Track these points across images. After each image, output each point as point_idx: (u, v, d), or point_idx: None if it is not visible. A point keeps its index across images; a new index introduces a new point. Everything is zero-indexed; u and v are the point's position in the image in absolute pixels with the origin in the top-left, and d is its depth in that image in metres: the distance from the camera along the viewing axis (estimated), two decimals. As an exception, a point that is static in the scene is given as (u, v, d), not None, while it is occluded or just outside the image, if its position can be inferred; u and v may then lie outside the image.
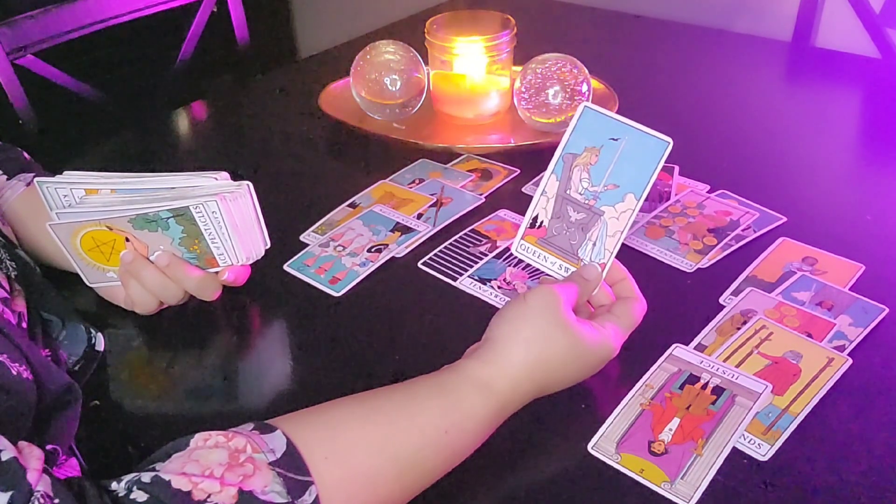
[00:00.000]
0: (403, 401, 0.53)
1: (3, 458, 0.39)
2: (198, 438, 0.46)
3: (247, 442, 0.46)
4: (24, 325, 0.59)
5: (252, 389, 0.66)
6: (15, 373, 0.47)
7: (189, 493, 0.42)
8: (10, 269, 0.62)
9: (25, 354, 0.49)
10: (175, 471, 0.43)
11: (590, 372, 0.59)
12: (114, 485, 0.43)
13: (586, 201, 0.62)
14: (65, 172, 0.67)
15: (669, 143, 0.59)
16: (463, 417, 0.53)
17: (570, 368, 0.58)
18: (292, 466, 0.46)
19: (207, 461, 0.44)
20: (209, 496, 0.42)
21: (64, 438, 0.50)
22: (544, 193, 0.64)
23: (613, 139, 0.61)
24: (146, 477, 0.43)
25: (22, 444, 0.42)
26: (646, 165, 0.60)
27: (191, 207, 0.63)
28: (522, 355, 0.55)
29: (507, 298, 0.71)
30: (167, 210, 0.63)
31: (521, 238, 0.66)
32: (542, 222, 0.64)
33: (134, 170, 0.67)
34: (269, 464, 0.45)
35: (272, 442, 0.47)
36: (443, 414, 0.52)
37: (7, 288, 0.58)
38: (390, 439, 0.51)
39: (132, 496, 0.42)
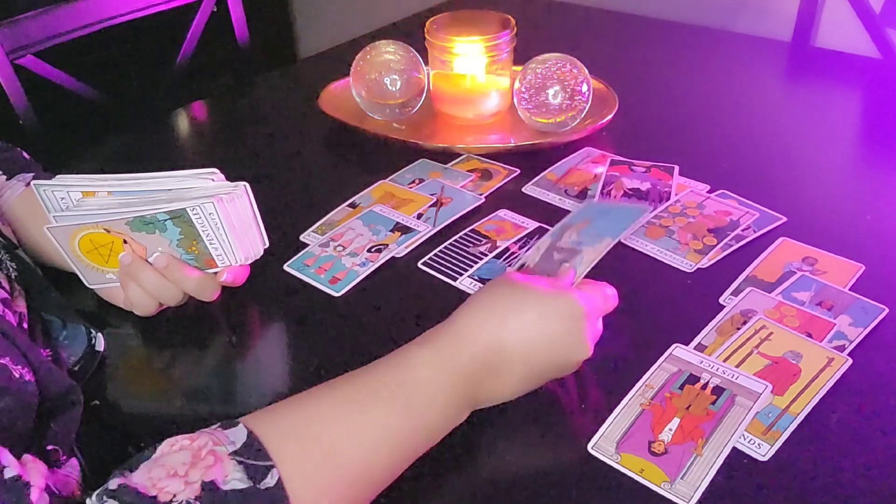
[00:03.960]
0: (361, 380, 0.53)
1: (7, 476, 0.39)
2: (164, 445, 0.46)
3: (209, 438, 0.46)
4: (25, 325, 0.59)
5: (251, 390, 0.66)
6: (17, 375, 0.47)
7: (155, 497, 0.42)
8: (11, 269, 0.62)
9: (27, 356, 0.49)
10: (141, 478, 0.43)
11: (556, 325, 0.56)
12: (88, 502, 0.43)
13: (571, 247, 0.64)
14: (58, 176, 0.67)
15: (648, 209, 0.66)
16: (416, 382, 0.53)
17: (527, 317, 0.55)
18: (252, 454, 0.46)
19: (172, 463, 0.44)
20: (174, 496, 0.42)
21: (65, 440, 0.50)
22: (538, 248, 0.66)
23: (604, 212, 0.69)
24: (113, 484, 0.43)
25: (26, 457, 0.42)
26: (626, 221, 0.66)
27: (188, 209, 0.63)
28: (468, 310, 0.56)
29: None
30: (164, 212, 0.63)
31: None
32: (527, 266, 0.65)
33: (134, 170, 0.67)
34: (230, 454, 0.45)
35: (233, 435, 0.47)
36: (394, 379, 0.53)
37: (7, 289, 0.58)
38: (346, 409, 0.51)
39: None
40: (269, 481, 0.45)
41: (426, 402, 0.53)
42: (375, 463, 0.50)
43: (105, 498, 0.42)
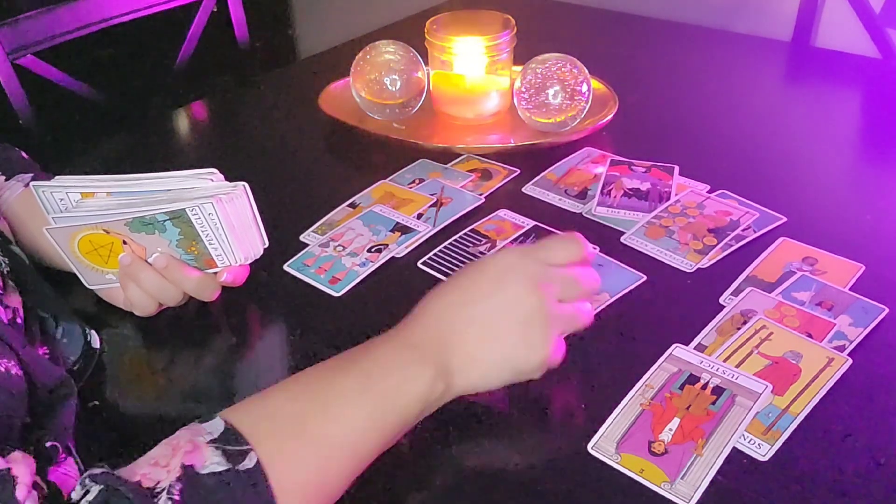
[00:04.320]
0: (325, 366, 0.55)
1: None
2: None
3: (187, 432, 0.47)
4: (20, 321, 0.59)
5: (251, 390, 0.65)
6: (3, 369, 0.47)
7: (138, 482, 0.43)
8: (3, 264, 0.62)
9: (15, 350, 0.49)
10: (124, 470, 0.45)
11: (487, 271, 0.58)
12: (73, 495, 0.43)
13: None
14: (57, 177, 0.67)
15: (643, 277, 0.72)
16: (372, 357, 0.54)
17: (462, 275, 0.58)
18: (230, 441, 0.47)
19: (153, 455, 0.46)
20: (158, 482, 0.43)
21: (63, 433, 0.50)
22: None
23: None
24: (96, 470, 0.44)
25: (16, 454, 0.42)
26: (625, 283, 0.71)
27: (187, 210, 0.63)
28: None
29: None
30: (163, 213, 0.63)
31: None
32: None
33: (134, 170, 0.67)
34: (208, 442, 0.46)
35: (210, 427, 0.48)
36: (353, 359, 0.54)
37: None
38: (313, 389, 0.52)
39: (87, 497, 0.42)
40: (248, 463, 0.46)
41: (384, 372, 0.53)
42: (349, 435, 0.51)
43: (88, 482, 0.43)
